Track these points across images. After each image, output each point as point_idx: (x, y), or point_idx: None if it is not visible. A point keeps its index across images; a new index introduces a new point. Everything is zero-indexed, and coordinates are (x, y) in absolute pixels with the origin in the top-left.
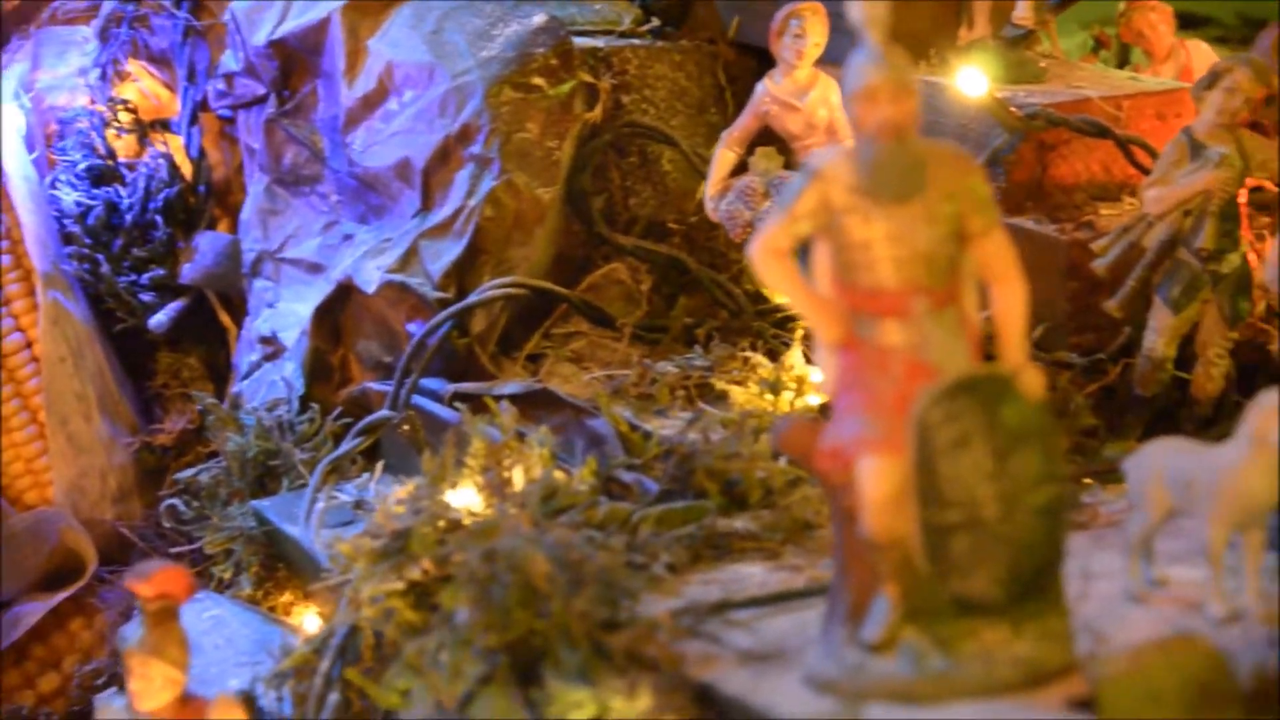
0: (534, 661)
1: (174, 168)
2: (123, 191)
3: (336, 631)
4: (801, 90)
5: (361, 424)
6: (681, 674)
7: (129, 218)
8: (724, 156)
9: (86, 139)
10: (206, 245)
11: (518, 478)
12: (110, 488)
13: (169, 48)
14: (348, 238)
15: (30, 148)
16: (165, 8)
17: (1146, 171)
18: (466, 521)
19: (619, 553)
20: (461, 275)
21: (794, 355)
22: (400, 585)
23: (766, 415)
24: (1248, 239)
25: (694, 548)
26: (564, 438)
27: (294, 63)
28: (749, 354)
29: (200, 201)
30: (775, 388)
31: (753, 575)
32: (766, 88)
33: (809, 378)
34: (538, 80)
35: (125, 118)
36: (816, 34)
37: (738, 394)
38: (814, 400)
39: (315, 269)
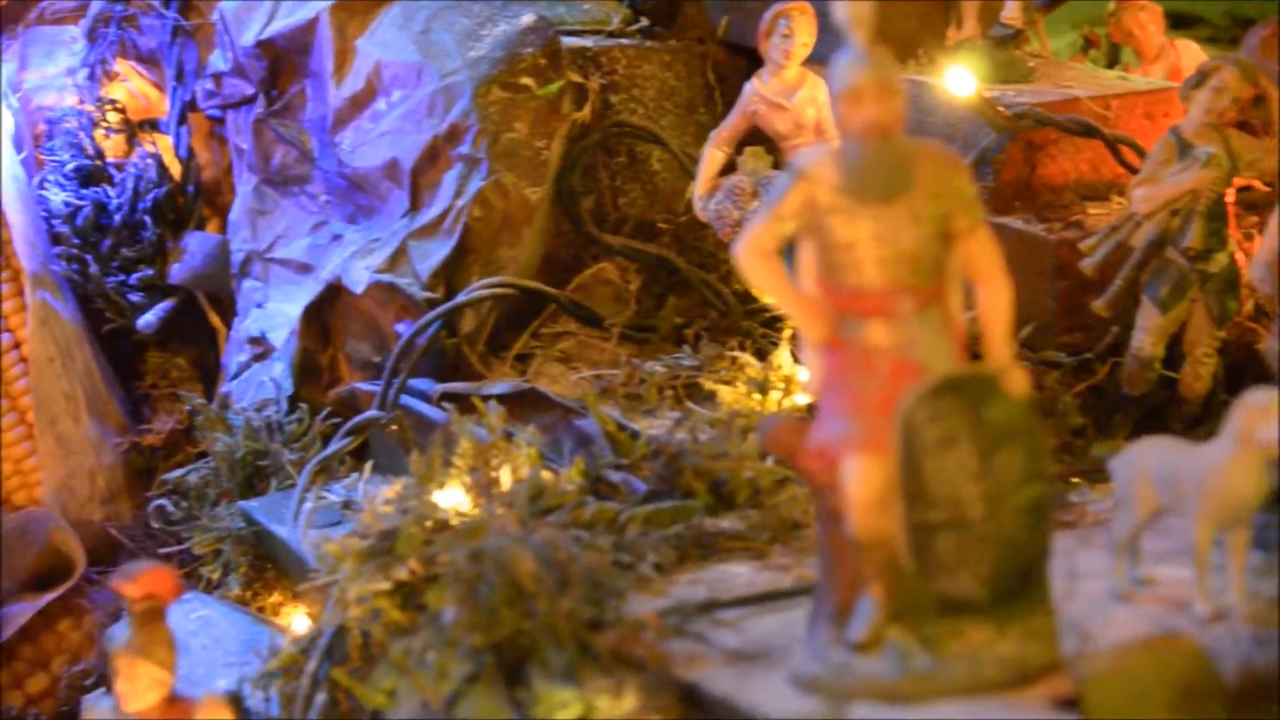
0: (520, 661)
1: (162, 168)
2: (111, 192)
3: (323, 632)
4: (790, 90)
5: (349, 424)
6: (667, 674)
7: (117, 218)
8: (712, 156)
9: (75, 139)
10: (195, 245)
11: (505, 478)
12: (99, 488)
13: (157, 47)
14: (337, 238)
15: (18, 148)
16: (154, 7)
17: (1135, 171)
18: (454, 522)
19: (606, 552)
20: (450, 275)
21: (782, 355)
22: (387, 585)
23: (754, 415)
24: (1236, 238)
25: (681, 547)
26: (552, 437)
27: (282, 63)
28: (737, 353)
29: (189, 202)
30: (763, 387)
31: (740, 575)
32: (754, 87)
33: (797, 377)
34: (526, 80)
35: (114, 118)
36: (804, 33)
37: (726, 394)
38: (802, 400)
39: (304, 269)
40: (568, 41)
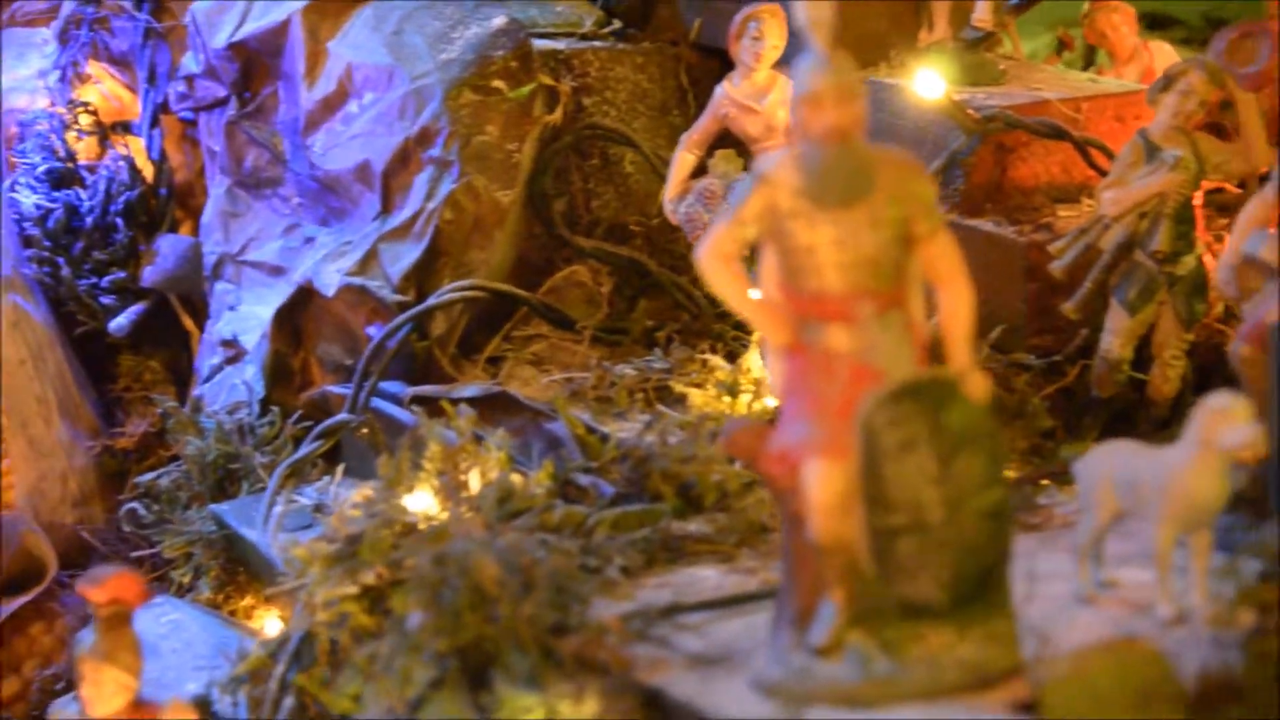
0: (484, 666)
1: (135, 170)
2: (83, 194)
3: (291, 636)
4: (760, 93)
5: (320, 427)
6: (630, 678)
7: (89, 220)
8: (683, 159)
9: (46, 142)
10: (168, 248)
11: (474, 481)
12: (71, 491)
13: (129, 50)
14: (309, 240)
15: None
16: (125, 10)
17: (1104, 173)
18: (422, 525)
19: (573, 556)
20: (421, 278)
21: (752, 358)
22: (354, 590)
23: (723, 418)
24: (1205, 241)
25: (649, 551)
26: (522, 441)
27: (254, 65)
28: (708, 356)
29: (161, 204)
30: (733, 390)
31: (707, 578)
32: (725, 90)
33: (766, 380)
34: (497, 83)
35: (86, 120)
36: (775, 36)
37: (696, 396)
38: (772, 403)
39: (277, 271)
40: (540, 44)
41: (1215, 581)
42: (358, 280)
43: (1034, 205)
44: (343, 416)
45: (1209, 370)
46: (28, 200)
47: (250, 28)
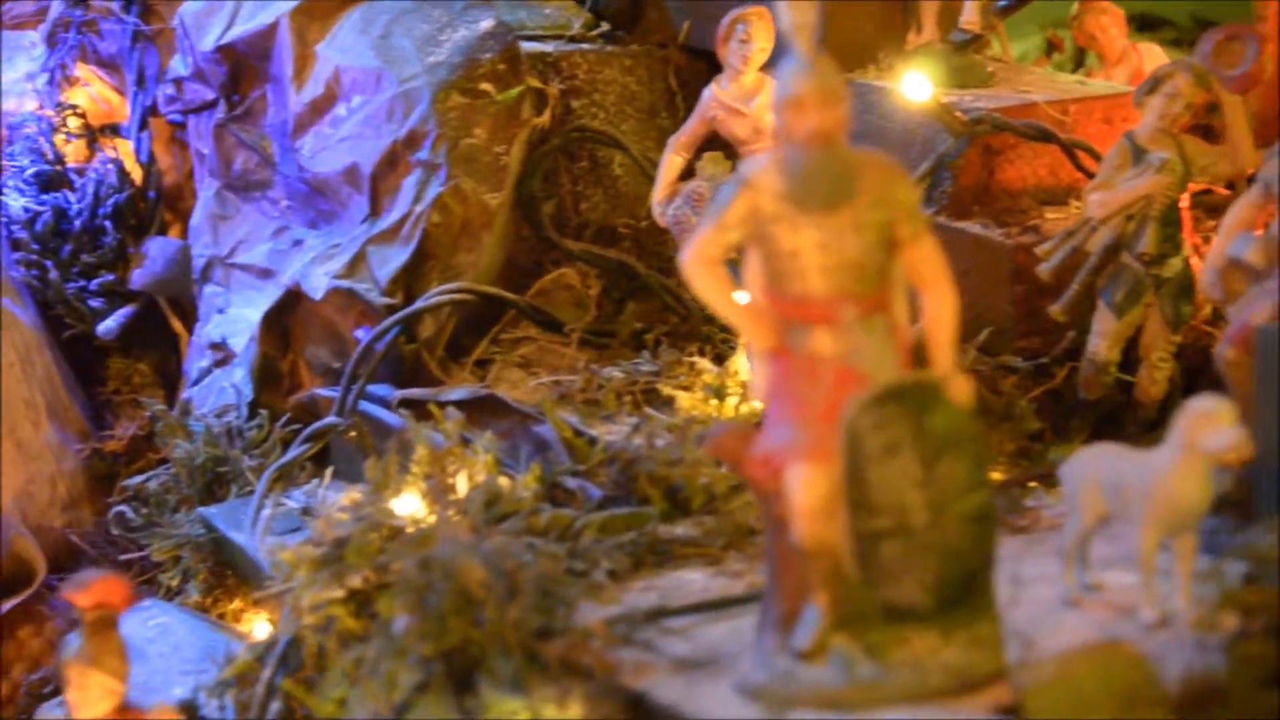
0: (469, 670)
1: (123, 173)
2: (71, 197)
3: (278, 640)
4: (748, 95)
5: (308, 430)
6: (615, 682)
7: (78, 223)
8: (671, 161)
9: (35, 144)
10: (157, 251)
11: (461, 484)
12: (60, 494)
13: (118, 52)
14: (298, 243)
15: None
16: (114, 12)
17: (1092, 176)
18: (410, 529)
19: (559, 560)
20: (409, 281)
21: (739, 360)
22: (341, 593)
23: (710, 420)
24: (1193, 243)
25: (636, 554)
26: (510, 444)
27: (243, 68)
28: (696, 359)
29: (150, 207)
30: (720, 393)
31: (694, 582)
32: (713, 93)
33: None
34: (485, 85)
35: (74, 123)
36: (762, 39)
37: (684, 399)
38: (760, 405)
39: (266, 274)
40: (528, 47)
41: (1200, 585)
42: (345, 283)
43: (1021, 207)
44: (330, 419)
45: (1196, 372)
46: (16, 203)
47: (238, 31)
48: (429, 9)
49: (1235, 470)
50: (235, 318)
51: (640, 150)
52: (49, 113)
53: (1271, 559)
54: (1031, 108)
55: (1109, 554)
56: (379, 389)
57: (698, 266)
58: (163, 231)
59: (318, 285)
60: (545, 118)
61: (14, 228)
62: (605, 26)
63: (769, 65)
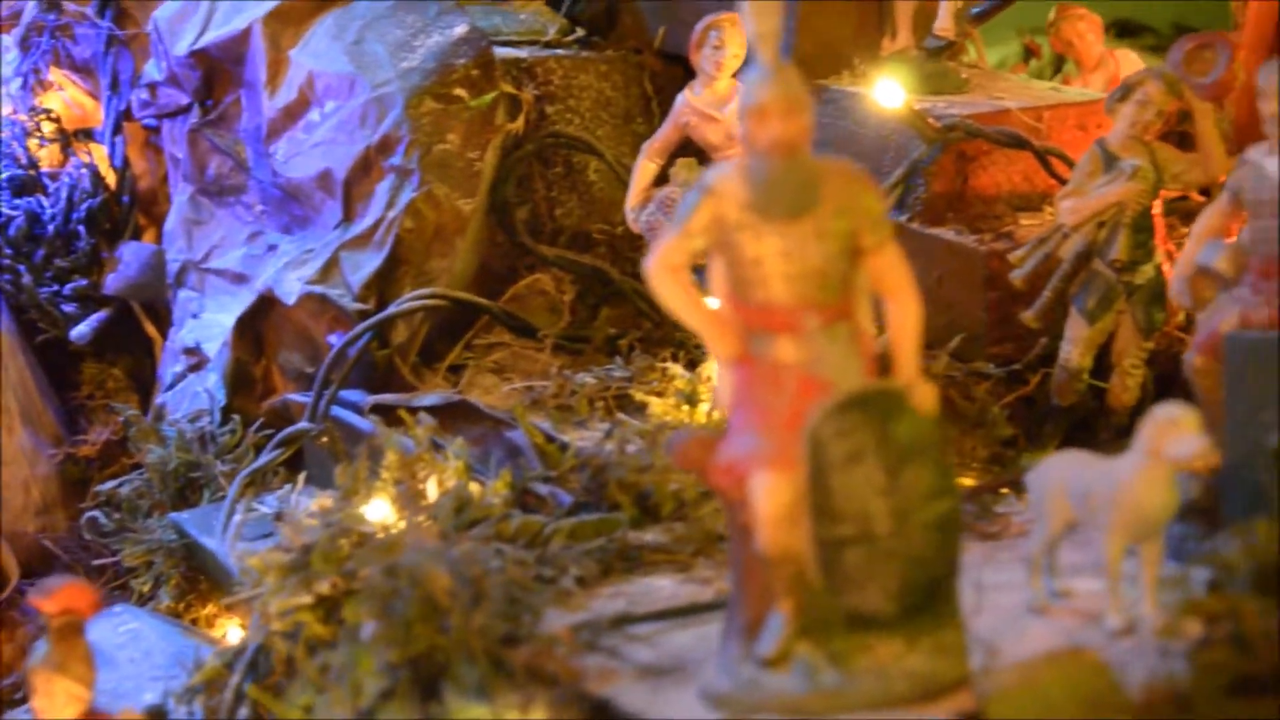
0: (435, 676)
1: (97, 177)
2: (45, 202)
3: (247, 646)
4: (721, 101)
5: (280, 436)
6: (579, 689)
7: (51, 228)
8: (645, 167)
9: (8, 149)
10: (130, 255)
11: (432, 490)
12: (33, 499)
13: (92, 57)
14: (272, 248)
15: None
16: (88, 16)
17: (1065, 182)
18: (379, 535)
19: (528, 566)
20: (382, 286)
21: (710, 366)
22: (309, 599)
23: (681, 427)
24: (1167, 249)
25: (605, 561)
26: (482, 449)
27: (216, 73)
28: (668, 365)
29: (124, 211)
30: (692, 399)
31: (662, 588)
32: (686, 99)
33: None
34: (459, 91)
35: (48, 127)
36: (735, 45)
37: (656, 405)
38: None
39: (240, 279)
40: (502, 52)
41: (1166, 592)
42: (319, 289)
43: (995, 214)
44: (303, 425)
45: (1169, 379)
46: None
47: (212, 36)
48: (403, 14)
49: (1203, 477)
50: (209, 323)
51: (615, 156)
52: (23, 117)
53: (1237, 566)
54: (1005, 114)
55: (1077, 561)
56: (352, 394)
57: (662, 273)
58: (137, 236)
59: (291, 290)
60: (519, 123)
61: None
62: (580, 32)
63: (742, 71)
